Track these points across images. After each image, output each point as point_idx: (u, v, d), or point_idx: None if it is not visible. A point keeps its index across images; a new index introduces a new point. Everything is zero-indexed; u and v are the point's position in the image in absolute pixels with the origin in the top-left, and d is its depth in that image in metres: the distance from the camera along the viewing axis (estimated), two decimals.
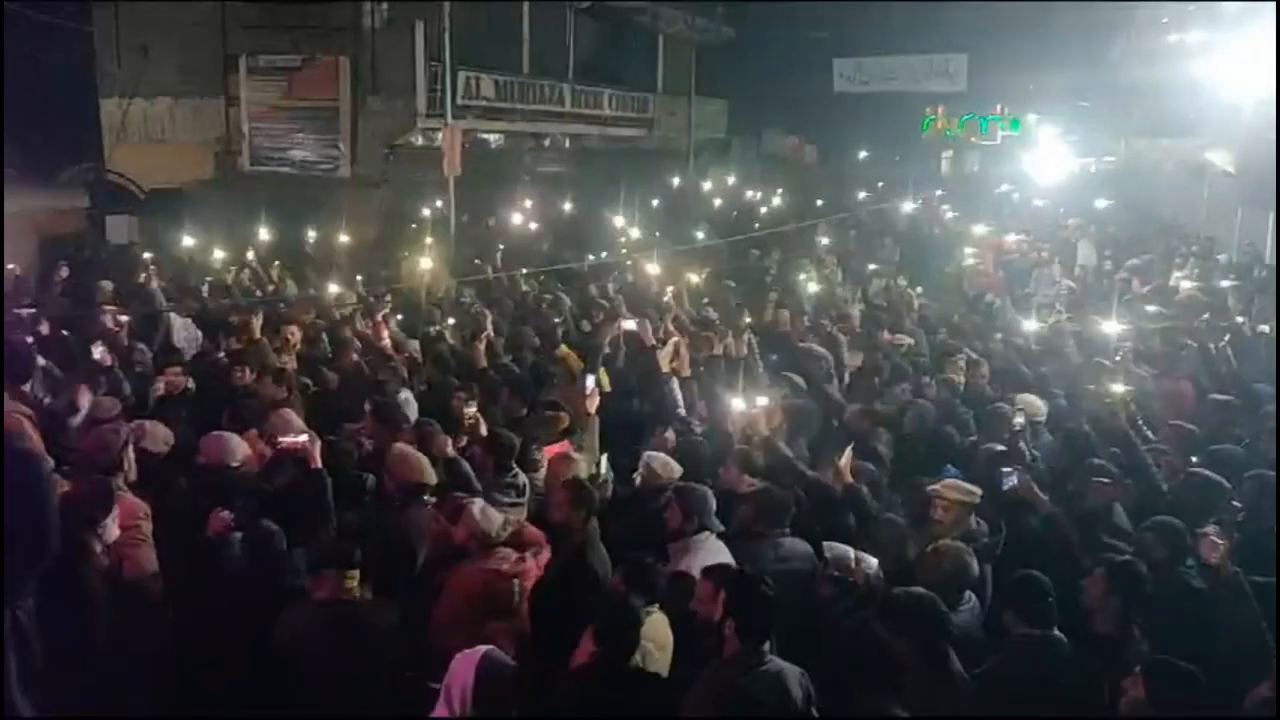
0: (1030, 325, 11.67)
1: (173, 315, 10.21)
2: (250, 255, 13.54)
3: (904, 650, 4.45)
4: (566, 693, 4.29)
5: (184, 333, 10.14)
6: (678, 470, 6.39)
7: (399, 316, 10.99)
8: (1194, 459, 6.86)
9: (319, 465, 5.76)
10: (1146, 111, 24.74)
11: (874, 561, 5.13)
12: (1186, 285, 14.28)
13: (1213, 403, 8.29)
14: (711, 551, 5.49)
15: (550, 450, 6.93)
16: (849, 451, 6.56)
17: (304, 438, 5.78)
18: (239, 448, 6.03)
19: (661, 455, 6.57)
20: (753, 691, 4.21)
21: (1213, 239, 19.26)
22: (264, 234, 15.13)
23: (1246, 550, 5.70)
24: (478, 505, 5.43)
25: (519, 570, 5.20)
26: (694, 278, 13.10)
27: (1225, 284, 14.48)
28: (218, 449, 6.00)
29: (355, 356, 9.17)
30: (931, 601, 4.58)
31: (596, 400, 7.66)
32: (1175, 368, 9.50)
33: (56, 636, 4.41)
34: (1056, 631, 4.67)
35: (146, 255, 13.09)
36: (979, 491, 5.92)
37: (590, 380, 7.71)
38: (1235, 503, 6.14)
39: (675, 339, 8.81)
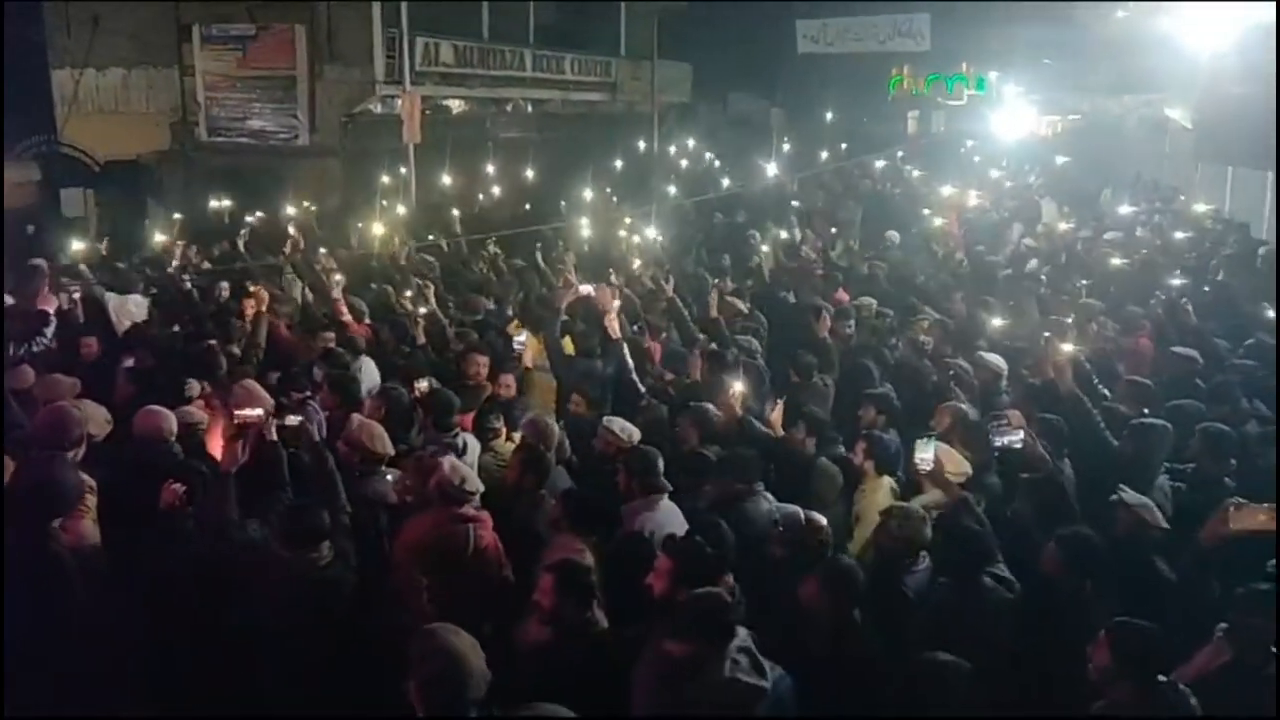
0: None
1: (110, 294, 10.01)
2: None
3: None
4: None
5: (133, 310, 9.96)
6: (636, 434, 6.38)
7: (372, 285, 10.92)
8: (1145, 412, 6.88)
9: (274, 438, 5.69)
10: (1109, 68, 24.74)
11: (823, 520, 5.12)
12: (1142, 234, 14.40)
13: (1173, 357, 8.32)
14: (664, 513, 5.50)
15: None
16: (780, 404, 6.59)
17: (259, 411, 5.68)
18: (172, 421, 5.95)
19: (620, 420, 6.56)
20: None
21: (1177, 189, 19.43)
22: (224, 204, 14.94)
23: (1195, 500, 5.76)
24: (448, 459, 5.43)
25: (474, 517, 5.17)
26: (653, 236, 13.05)
27: (1180, 235, 14.58)
28: (152, 423, 5.91)
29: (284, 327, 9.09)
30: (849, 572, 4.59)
31: (527, 357, 7.64)
32: (1135, 324, 9.52)
33: (29, 618, 4.35)
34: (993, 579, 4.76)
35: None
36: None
37: (521, 338, 7.63)
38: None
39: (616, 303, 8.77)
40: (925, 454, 5.77)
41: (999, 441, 6.01)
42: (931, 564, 5.16)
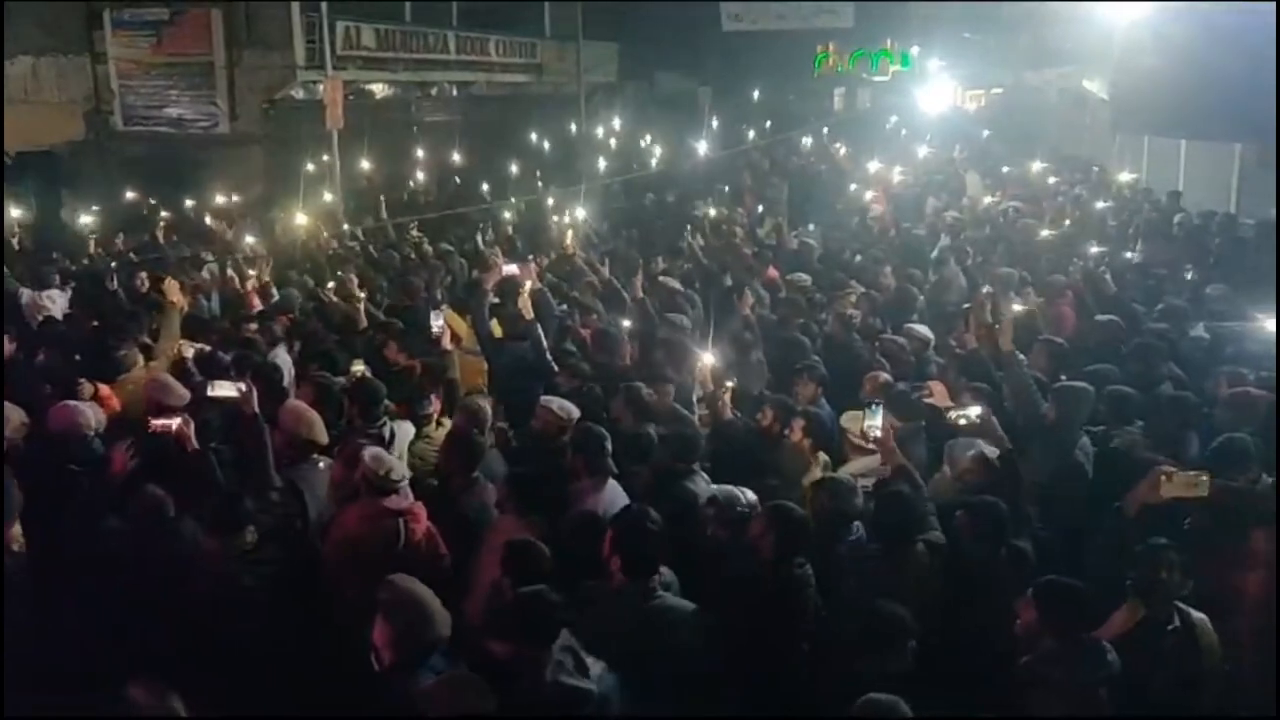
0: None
1: (24, 290, 9.75)
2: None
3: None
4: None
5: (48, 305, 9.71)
6: (576, 412, 6.36)
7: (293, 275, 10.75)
8: (1063, 377, 7.00)
9: (195, 446, 5.60)
10: (1028, 41, 25.10)
11: (754, 498, 5.12)
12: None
13: (1097, 324, 8.49)
14: (612, 493, 5.49)
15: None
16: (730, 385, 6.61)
17: (177, 421, 5.59)
18: (92, 416, 5.81)
19: (559, 399, 6.53)
20: (637, 623, 4.24)
21: (1101, 168, 19.78)
22: (142, 195, 14.61)
23: (1103, 464, 5.87)
24: (370, 450, 5.36)
25: (404, 510, 5.11)
26: (581, 215, 13.02)
27: (1100, 205, 14.87)
28: (69, 419, 5.79)
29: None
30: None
31: (447, 338, 7.56)
32: (1057, 292, 9.68)
33: None
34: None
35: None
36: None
37: (439, 320, 7.59)
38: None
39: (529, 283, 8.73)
40: (875, 420, 5.72)
41: (955, 417, 5.94)
42: (864, 532, 5.19)
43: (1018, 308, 7.25)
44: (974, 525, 4.92)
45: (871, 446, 5.98)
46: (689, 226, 13.81)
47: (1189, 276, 10.49)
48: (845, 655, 4.08)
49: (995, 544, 4.87)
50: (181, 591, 4.68)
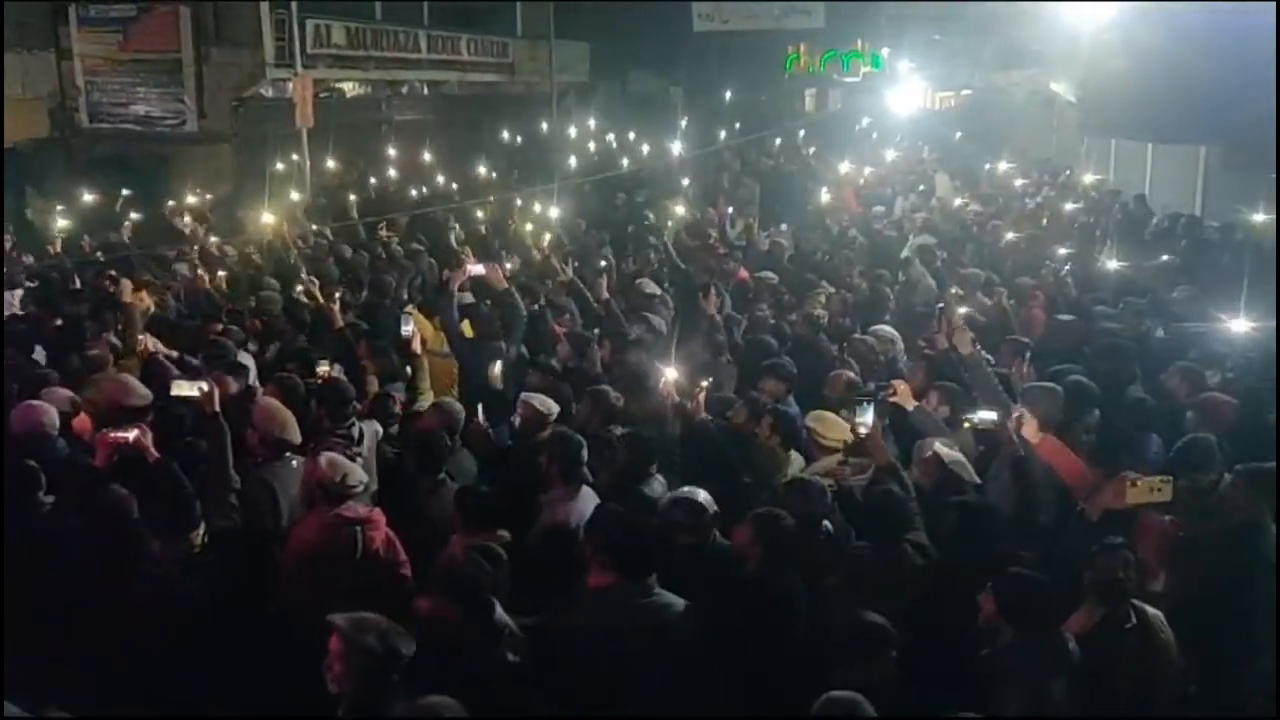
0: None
1: None
2: None
3: None
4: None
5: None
6: (556, 408, 6.36)
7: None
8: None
9: (155, 456, 5.52)
10: (997, 43, 25.27)
11: (707, 496, 5.07)
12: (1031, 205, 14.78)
13: (1056, 323, 8.58)
14: (585, 501, 5.42)
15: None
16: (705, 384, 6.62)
17: (134, 432, 5.52)
18: (53, 415, 5.76)
19: (540, 395, 6.52)
20: (627, 623, 4.21)
21: (1071, 169, 19.95)
22: (112, 193, 14.44)
23: None
24: (325, 455, 5.31)
25: (361, 518, 5.06)
26: (552, 215, 13.02)
27: (1070, 206, 15.01)
28: (32, 419, 5.73)
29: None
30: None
31: (418, 342, 7.53)
32: (1026, 295, 9.76)
33: None
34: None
35: None
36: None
37: (409, 325, 7.55)
38: None
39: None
40: (865, 418, 5.63)
41: (973, 419, 5.92)
42: (831, 531, 5.20)
43: (968, 310, 7.28)
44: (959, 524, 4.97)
45: (835, 445, 5.97)
46: (647, 222, 13.85)
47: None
48: (827, 666, 4.04)
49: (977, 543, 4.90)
50: (122, 594, 4.60)
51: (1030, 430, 5.59)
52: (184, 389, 5.78)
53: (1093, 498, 5.21)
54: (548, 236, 11.60)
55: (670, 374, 6.44)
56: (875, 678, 3.89)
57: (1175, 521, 5.06)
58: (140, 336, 7.96)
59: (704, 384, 6.51)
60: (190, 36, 19.14)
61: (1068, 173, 19.67)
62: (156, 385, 6.45)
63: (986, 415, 5.84)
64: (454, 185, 16.92)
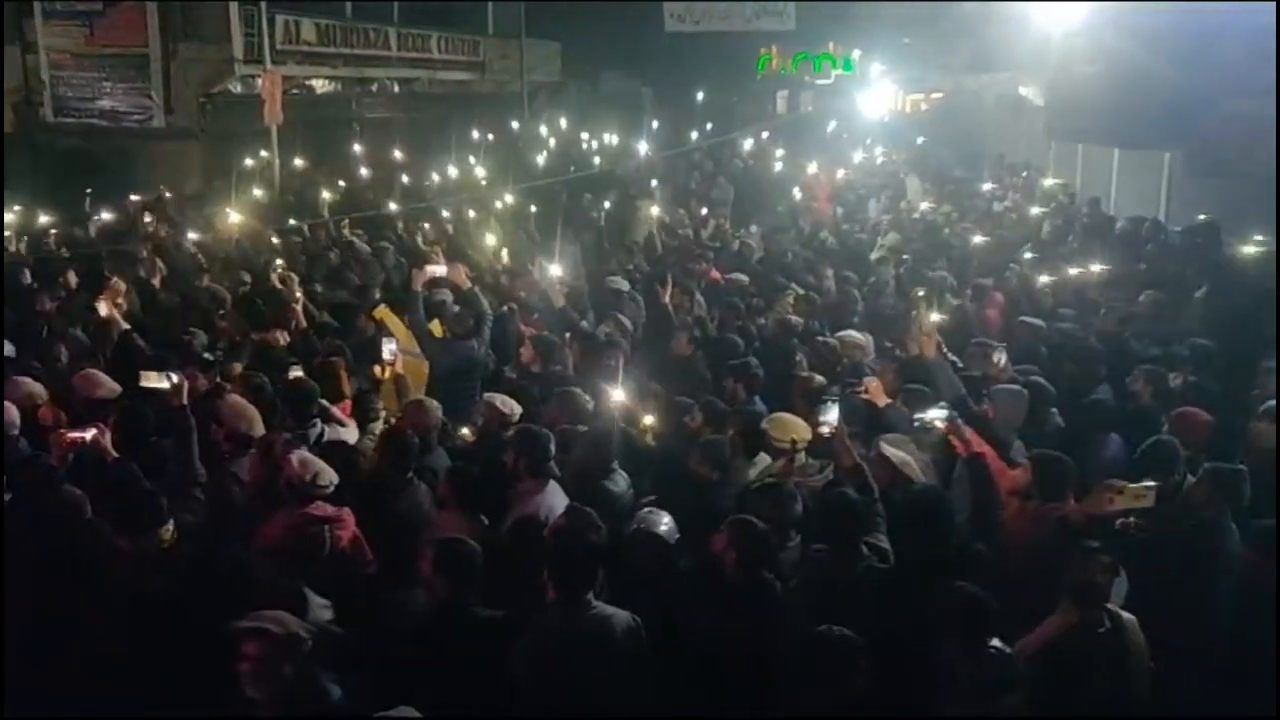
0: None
1: None
2: None
3: None
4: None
5: None
6: (518, 408, 6.36)
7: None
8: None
9: (114, 456, 5.54)
10: (966, 46, 25.40)
11: (670, 523, 5.05)
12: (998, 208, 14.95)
13: (1019, 325, 8.69)
14: (553, 495, 5.47)
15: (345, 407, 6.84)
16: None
17: (92, 432, 5.53)
18: (14, 414, 5.71)
19: (502, 395, 6.53)
20: (569, 636, 4.24)
21: (1040, 170, 20.10)
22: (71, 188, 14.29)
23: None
24: (297, 454, 5.31)
25: (330, 517, 5.06)
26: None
27: (1036, 210, 15.14)
28: None
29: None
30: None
31: (400, 364, 7.48)
32: (985, 296, 9.84)
33: None
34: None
35: None
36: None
37: (390, 347, 7.48)
38: None
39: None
40: (829, 417, 5.64)
41: (923, 416, 5.93)
42: (802, 539, 5.19)
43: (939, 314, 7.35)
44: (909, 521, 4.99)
45: (784, 446, 5.95)
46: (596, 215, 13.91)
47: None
48: (794, 684, 4.02)
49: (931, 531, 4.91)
50: (87, 592, 4.56)
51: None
52: (153, 381, 5.76)
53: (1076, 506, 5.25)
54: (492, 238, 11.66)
55: (618, 397, 6.34)
56: (848, 695, 3.86)
57: (1139, 523, 5.11)
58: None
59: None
60: (158, 31, 19.00)
61: (1025, 174, 19.81)
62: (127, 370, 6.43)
63: (937, 413, 5.88)
64: (426, 184, 16.83)
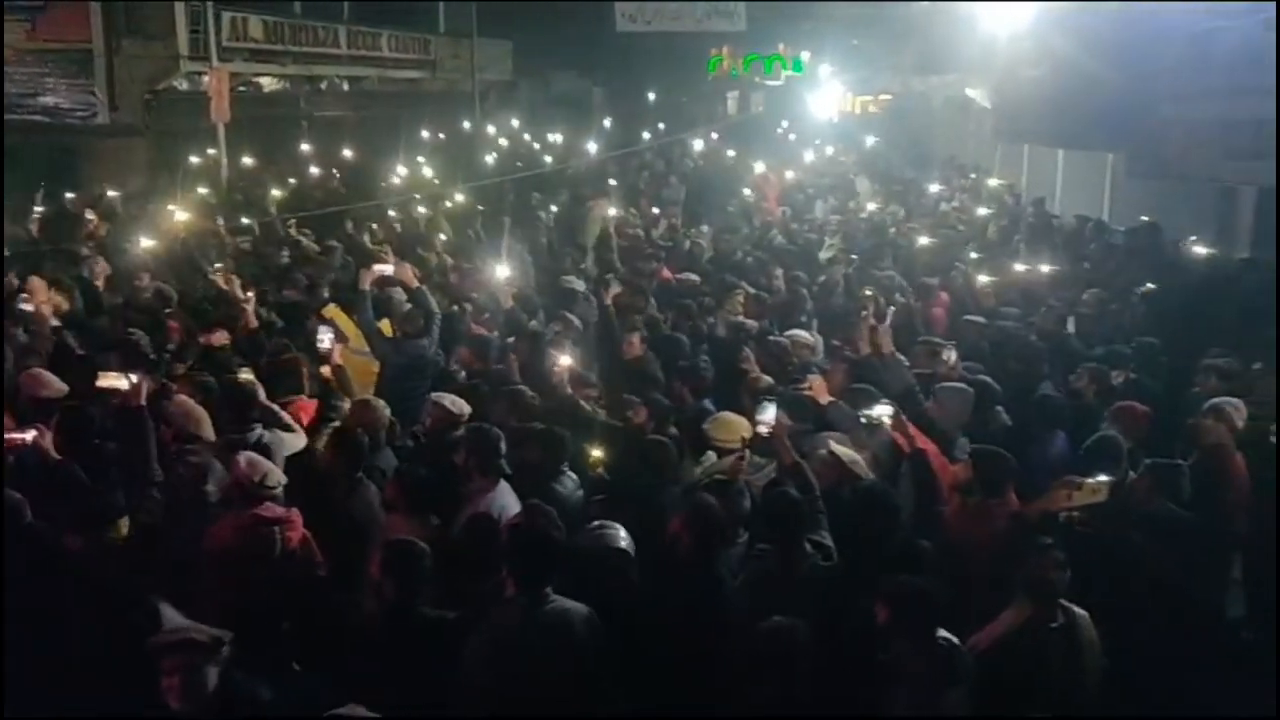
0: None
1: None
2: None
3: None
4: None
5: None
6: (467, 408, 6.34)
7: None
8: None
9: (55, 457, 5.43)
10: (914, 48, 25.65)
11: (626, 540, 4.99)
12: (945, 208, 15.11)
13: (962, 323, 8.81)
14: (504, 494, 5.44)
15: (303, 405, 6.76)
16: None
17: (31, 433, 5.44)
18: None
19: (450, 395, 6.50)
20: (529, 629, 4.21)
21: (987, 171, 20.36)
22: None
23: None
24: (245, 455, 5.27)
25: (281, 518, 5.02)
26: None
27: (982, 211, 15.33)
28: None
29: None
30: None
31: (336, 354, 7.39)
32: (930, 294, 9.96)
33: None
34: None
35: None
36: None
37: (328, 335, 7.38)
38: None
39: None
40: (766, 416, 5.65)
41: (869, 413, 5.97)
42: (749, 536, 5.22)
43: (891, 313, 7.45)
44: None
45: (727, 446, 5.94)
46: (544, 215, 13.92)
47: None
48: (738, 678, 4.05)
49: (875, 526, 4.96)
50: (32, 594, 4.49)
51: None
52: (110, 380, 5.71)
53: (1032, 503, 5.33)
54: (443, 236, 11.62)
55: (565, 361, 6.55)
56: (793, 684, 3.89)
57: (1082, 518, 5.21)
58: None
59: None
60: (101, 27, 18.71)
61: (972, 176, 20.06)
62: (69, 377, 6.34)
63: (883, 410, 5.94)
64: (381, 183, 16.73)
